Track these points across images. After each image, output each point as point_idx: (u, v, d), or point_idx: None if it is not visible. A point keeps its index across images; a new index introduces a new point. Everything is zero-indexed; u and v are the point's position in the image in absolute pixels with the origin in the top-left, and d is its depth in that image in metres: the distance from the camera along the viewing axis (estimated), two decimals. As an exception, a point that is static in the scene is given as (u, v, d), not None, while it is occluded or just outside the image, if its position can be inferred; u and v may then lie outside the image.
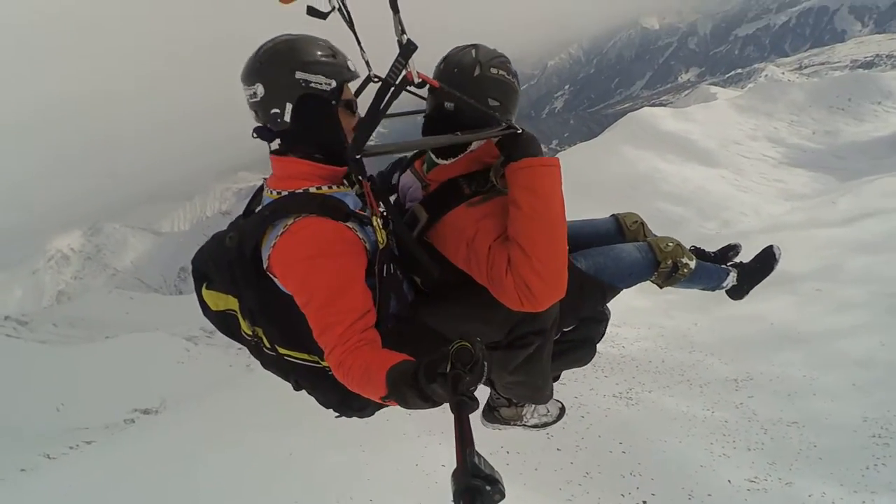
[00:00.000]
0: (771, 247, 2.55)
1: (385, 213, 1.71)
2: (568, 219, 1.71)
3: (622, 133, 14.34)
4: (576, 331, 2.20)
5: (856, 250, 6.91)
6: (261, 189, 1.80)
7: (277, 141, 1.70)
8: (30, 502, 5.73)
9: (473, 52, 1.85)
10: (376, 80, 1.85)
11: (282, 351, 1.76)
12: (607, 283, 2.06)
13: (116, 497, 4.97)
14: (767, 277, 2.53)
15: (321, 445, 4.78)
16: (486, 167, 1.84)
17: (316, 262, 1.50)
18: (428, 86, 1.65)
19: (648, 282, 2.25)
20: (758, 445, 4.12)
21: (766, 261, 2.53)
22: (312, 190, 1.63)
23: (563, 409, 2.77)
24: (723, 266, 2.49)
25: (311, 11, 1.62)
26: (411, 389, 1.23)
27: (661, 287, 2.28)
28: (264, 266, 1.60)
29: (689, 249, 2.31)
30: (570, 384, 5.21)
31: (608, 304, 2.28)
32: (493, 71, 1.81)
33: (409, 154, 2.15)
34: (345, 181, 1.75)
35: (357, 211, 1.63)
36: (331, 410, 1.97)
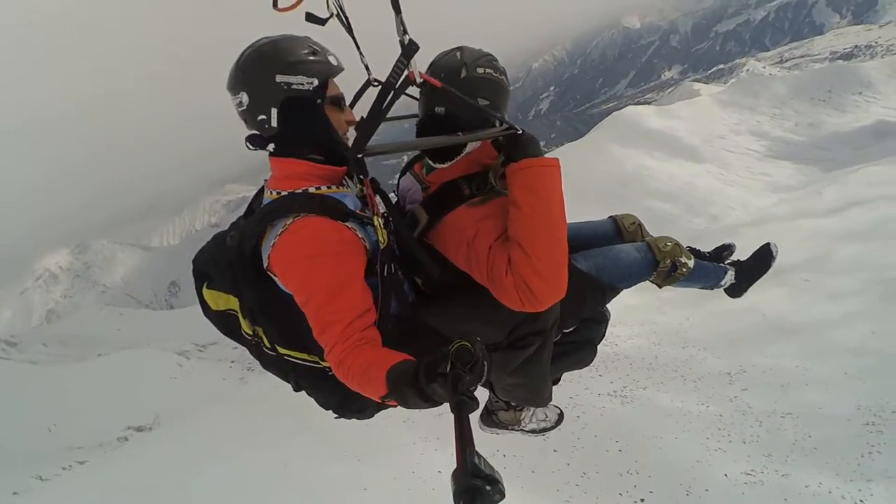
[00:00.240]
0: (768, 244, 2.56)
1: (386, 214, 1.71)
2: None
3: (608, 132, 14.42)
4: (576, 332, 2.20)
5: (844, 240, 6.98)
6: (261, 190, 1.79)
7: (272, 145, 1.69)
8: (22, 527, 5.63)
9: (458, 54, 1.84)
10: (376, 84, 1.86)
11: (281, 351, 1.76)
12: (608, 283, 2.06)
13: (110, 518, 4.90)
14: (765, 275, 2.54)
15: (317, 457, 4.74)
16: (486, 168, 1.84)
17: (315, 260, 1.50)
18: (420, 91, 1.65)
19: (647, 281, 2.25)
20: (753, 438, 4.13)
21: (763, 258, 2.55)
22: (311, 190, 1.62)
23: (561, 415, 2.77)
24: (720, 265, 2.50)
25: (310, 18, 1.62)
26: (411, 389, 1.23)
27: (660, 286, 2.29)
28: (264, 265, 1.60)
29: (687, 249, 2.32)
30: (564, 384, 5.16)
31: (607, 305, 2.27)
32: (480, 70, 1.81)
33: (406, 157, 2.15)
34: (344, 181, 1.74)
35: (357, 211, 1.63)
36: (330, 413, 1.96)
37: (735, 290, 2.55)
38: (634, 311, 6.74)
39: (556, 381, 2.40)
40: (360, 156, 1.53)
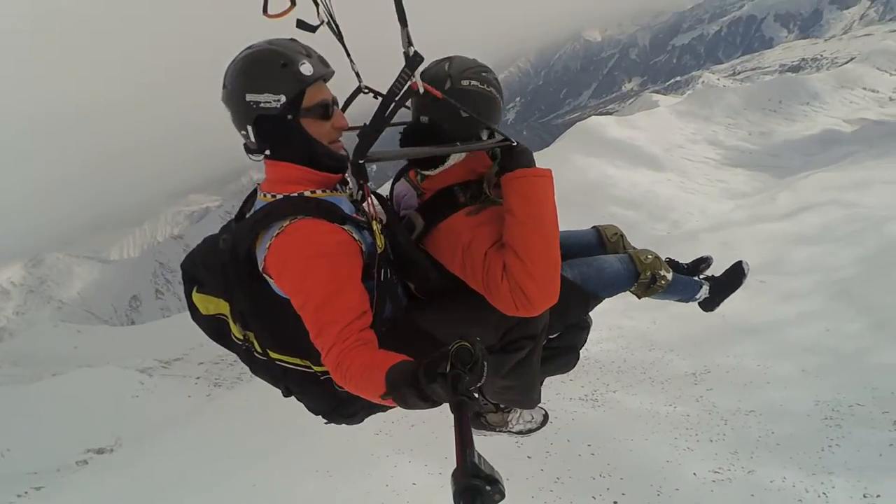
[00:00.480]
0: (740, 262, 2.67)
1: (383, 219, 1.72)
2: None
3: (572, 142, 14.73)
4: (560, 338, 2.27)
5: (797, 243, 7.27)
6: (254, 193, 1.77)
7: (267, 150, 1.67)
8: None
9: (447, 65, 1.86)
10: (366, 91, 1.87)
11: (273, 355, 1.74)
12: (591, 292, 2.14)
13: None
14: (737, 290, 2.65)
15: (287, 474, 4.63)
16: (480, 177, 1.88)
17: (312, 262, 1.49)
18: (410, 99, 1.66)
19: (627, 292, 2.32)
20: (719, 437, 4.24)
21: (735, 275, 2.66)
22: (307, 194, 1.61)
23: (546, 416, 2.82)
24: (695, 279, 2.59)
25: (301, 25, 1.63)
26: (411, 389, 1.23)
27: (639, 297, 2.37)
28: (260, 268, 1.58)
29: (665, 261, 2.40)
30: (536, 390, 5.23)
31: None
32: (465, 83, 1.82)
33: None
34: (338, 187, 1.73)
35: (353, 216, 1.63)
36: (303, 425, 1.94)
37: (708, 304, 2.65)
38: (602, 316, 6.85)
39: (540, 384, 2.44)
40: (361, 162, 1.52)
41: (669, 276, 2.31)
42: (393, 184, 2.12)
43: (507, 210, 1.67)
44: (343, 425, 2.01)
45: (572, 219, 2.54)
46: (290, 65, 1.56)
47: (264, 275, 1.58)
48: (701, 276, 2.69)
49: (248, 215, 1.70)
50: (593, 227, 2.50)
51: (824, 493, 3.44)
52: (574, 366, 2.38)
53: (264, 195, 1.67)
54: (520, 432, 2.75)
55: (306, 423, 2.46)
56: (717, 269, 2.83)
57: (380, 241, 1.62)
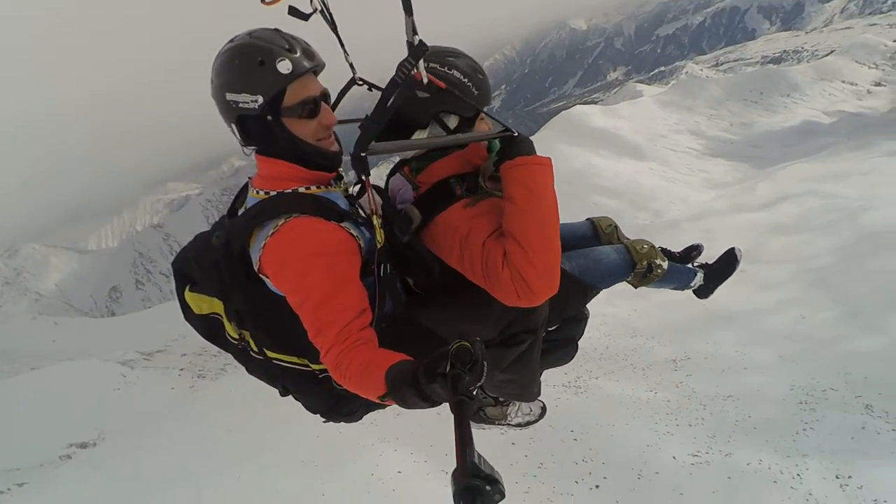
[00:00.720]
0: (733, 249, 2.70)
1: (382, 214, 1.68)
2: None
3: (557, 131, 14.78)
4: (559, 330, 2.27)
5: (775, 232, 7.41)
6: (245, 188, 1.72)
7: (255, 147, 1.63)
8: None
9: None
10: (360, 82, 1.83)
11: (270, 354, 1.70)
12: (589, 283, 2.15)
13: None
14: (730, 277, 2.68)
15: (274, 467, 4.63)
16: (476, 169, 1.86)
17: (310, 261, 1.45)
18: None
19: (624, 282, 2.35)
20: (698, 421, 4.34)
21: (728, 262, 2.68)
22: (301, 190, 1.57)
23: (544, 408, 2.84)
24: (689, 266, 2.62)
25: (293, 12, 1.58)
26: (411, 389, 1.21)
27: (635, 287, 2.38)
28: (255, 267, 1.53)
29: (660, 250, 2.42)
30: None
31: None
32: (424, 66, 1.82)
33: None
34: (332, 182, 1.69)
35: (350, 212, 1.60)
36: (291, 421, 1.92)
37: (703, 292, 2.68)
38: (586, 305, 6.93)
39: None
40: (363, 155, 1.47)
41: (665, 265, 2.34)
42: (388, 178, 2.08)
43: (508, 198, 1.65)
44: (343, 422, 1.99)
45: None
46: (267, 62, 1.46)
47: (260, 274, 1.54)
48: (694, 264, 2.72)
49: (240, 212, 1.65)
50: (587, 219, 2.52)
51: (798, 475, 3.55)
52: (573, 357, 2.39)
53: (256, 191, 1.62)
54: (518, 425, 2.77)
55: (292, 414, 2.46)
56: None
57: (380, 236, 1.59)
